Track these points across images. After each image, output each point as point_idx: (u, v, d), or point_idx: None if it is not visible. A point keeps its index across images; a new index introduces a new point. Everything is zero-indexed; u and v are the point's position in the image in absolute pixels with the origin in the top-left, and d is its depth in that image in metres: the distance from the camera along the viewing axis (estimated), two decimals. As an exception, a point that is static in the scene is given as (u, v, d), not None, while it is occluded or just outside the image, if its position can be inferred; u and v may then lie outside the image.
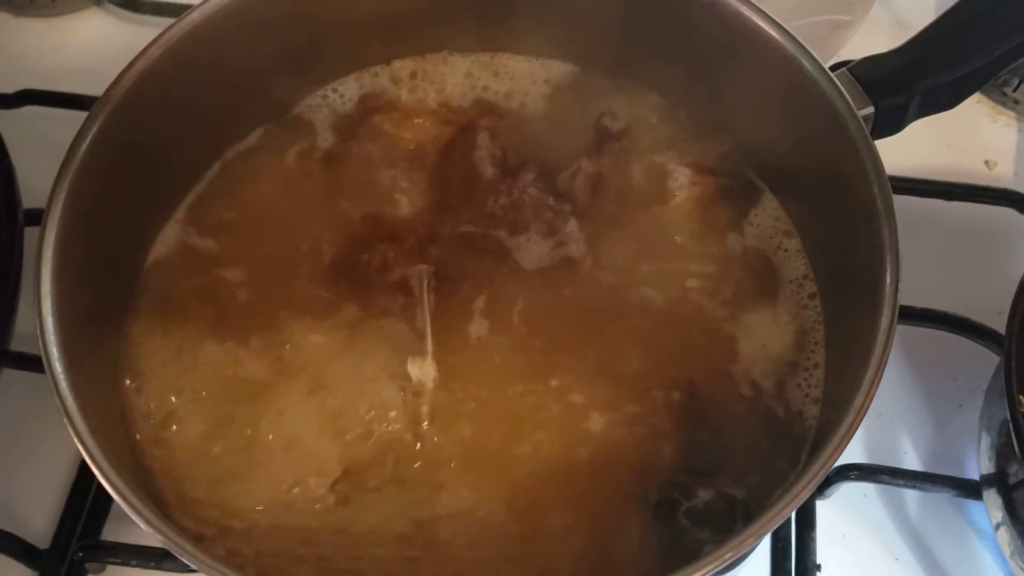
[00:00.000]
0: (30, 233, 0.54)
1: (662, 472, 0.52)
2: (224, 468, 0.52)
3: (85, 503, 0.58)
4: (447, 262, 0.57)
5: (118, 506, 0.44)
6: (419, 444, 0.52)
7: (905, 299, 0.48)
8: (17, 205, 0.57)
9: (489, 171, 0.60)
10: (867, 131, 0.52)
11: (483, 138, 0.61)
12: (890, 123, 0.54)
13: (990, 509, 0.56)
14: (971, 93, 0.56)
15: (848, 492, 0.60)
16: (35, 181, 0.56)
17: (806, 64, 0.53)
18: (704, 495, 0.51)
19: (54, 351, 0.47)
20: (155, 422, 0.53)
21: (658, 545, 0.50)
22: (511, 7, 0.61)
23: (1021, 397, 0.51)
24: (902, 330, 0.48)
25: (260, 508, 0.51)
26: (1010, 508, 0.54)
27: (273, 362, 0.54)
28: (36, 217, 0.50)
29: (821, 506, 0.59)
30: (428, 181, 0.60)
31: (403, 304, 0.56)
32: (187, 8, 0.54)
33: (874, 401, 0.46)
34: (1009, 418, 0.51)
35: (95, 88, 0.53)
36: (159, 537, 0.43)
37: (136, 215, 0.56)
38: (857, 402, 0.46)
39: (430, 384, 0.53)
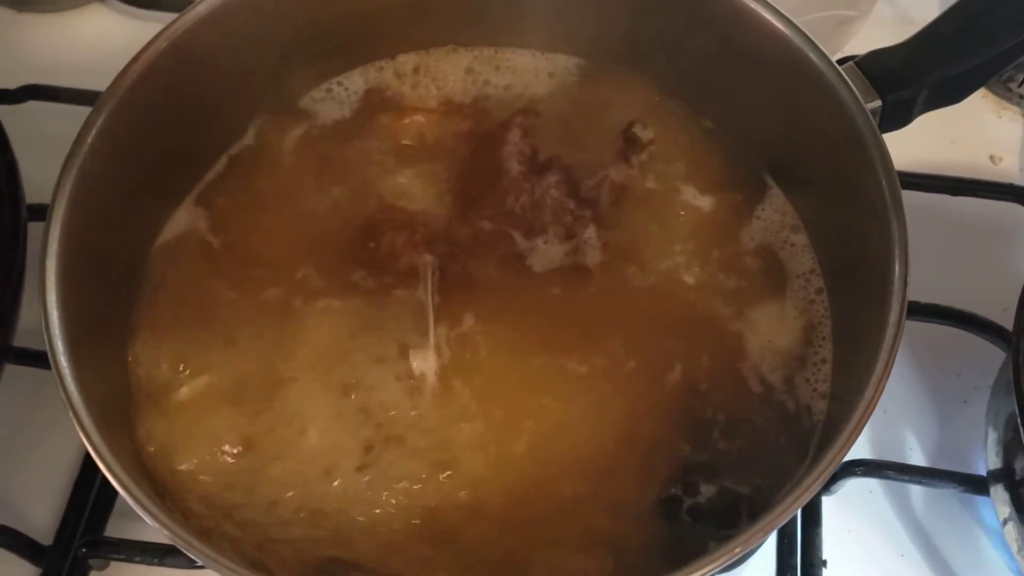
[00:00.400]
0: (33, 228, 0.54)
1: (668, 469, 0.52)
2: (232, 463, 0.51)
3: (89, 499, 0.58)
4: (456, 256, 0.57)
5: (122, 502, 0.44)
6: (417, 437, 0.52)
7: (910, 294, 0.48)
8: (21, 200, 0.57)
9: (515, 168, 0.59)
10: (875, 124, 0.52)
11: (514, 135, 0.60)
12: (897, 116, 0.54)
13: (997, 505, 0.56)
14: (979, 86, 0.56)
15: (854, 488, 0.60)
16: (38, 177, 0.56)
17: (813, 57, 0.53)
18: (709, 491, 0.51)
19: (59, 345, 0.47)
20: (161, 415, 0.53)
21: (663, 542, 0.50)
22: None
23: (1029, 392, 0.51)
24: (908, 325, 0.47)
25: (267, 502, 0.51)
26: (1017, 504, 0.53)
27: (282, 354, 0.54)
28: (39, 212, 0.50)
29: (827, 502, 0.59)
30: (435, 175, 0.60)
31: (408, 295, 0.55)
32: (190, 2, 0.54)
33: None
34: (1017, 413, 0.50)
35: (98, 83, 0.52)
36: (165, 532, 0.43)
37: (141, 208, 0.56)
38: (866, 397, 0.45)
39: (431, 376, 0.53)
